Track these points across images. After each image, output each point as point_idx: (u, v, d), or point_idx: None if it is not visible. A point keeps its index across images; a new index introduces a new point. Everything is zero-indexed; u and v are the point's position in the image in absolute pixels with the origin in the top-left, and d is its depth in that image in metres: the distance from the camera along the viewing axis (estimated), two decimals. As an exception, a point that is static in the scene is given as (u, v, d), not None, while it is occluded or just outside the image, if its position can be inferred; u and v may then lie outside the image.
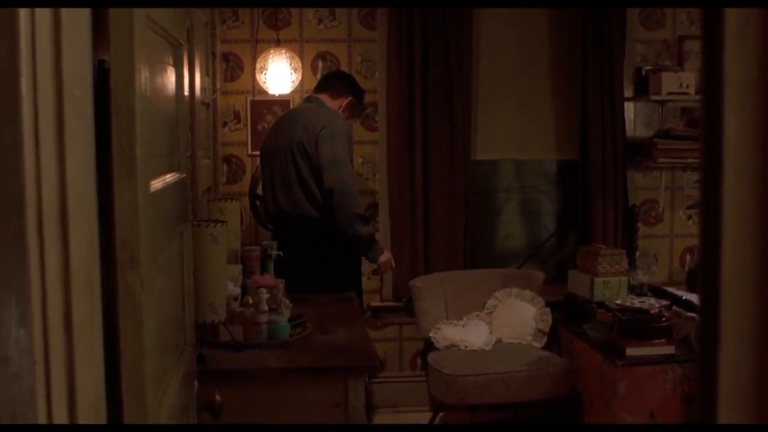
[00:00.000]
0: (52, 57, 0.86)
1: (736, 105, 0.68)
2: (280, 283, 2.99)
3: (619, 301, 3.92)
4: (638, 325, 3.70)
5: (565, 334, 4.22)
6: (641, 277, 4.27)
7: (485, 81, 4.75)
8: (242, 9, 4.56)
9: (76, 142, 0.91)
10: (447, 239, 4.61)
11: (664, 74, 4.62)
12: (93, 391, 0.96)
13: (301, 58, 4.59)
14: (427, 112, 4.56)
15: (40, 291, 0.82)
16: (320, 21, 4.61)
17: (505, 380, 3.80)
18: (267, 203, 3.91)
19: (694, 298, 3.96)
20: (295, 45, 4.60)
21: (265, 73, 4.54)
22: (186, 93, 1.99)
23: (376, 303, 4.72)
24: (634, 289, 4.19)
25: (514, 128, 4.82)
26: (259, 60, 4.55)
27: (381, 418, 4.47)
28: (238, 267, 3.20)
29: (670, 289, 4.34)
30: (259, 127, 4.56)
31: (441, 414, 4.28)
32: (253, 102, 4.59)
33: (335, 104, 3.93)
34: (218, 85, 4.35)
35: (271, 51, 4.54)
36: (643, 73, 4.78)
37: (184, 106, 1.88)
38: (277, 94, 4.55)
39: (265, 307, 2.79)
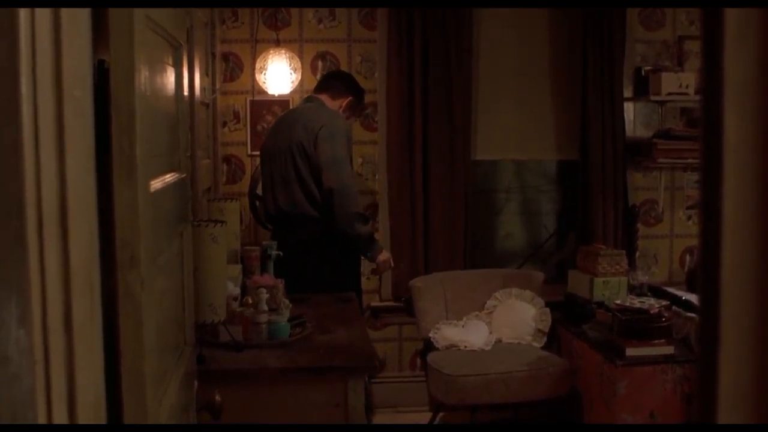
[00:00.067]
0: (52, 57, 0.86)
1: (736, 105, 0.68)
2: (280, 283, 2.99)
3: (618, 302, 3.93)
4: (638, 326, 3.70)
5: (565, 334, 4.22)
6: (641, 277, 4.27)
7: (485, 81, 4.75)
8: (242, 9, 4.56)
9: (76, 142, 0.91)
10: (447, 239, 4.61)
11: (664, 74, 4.62)
12: (93, 391, 0.96)
13: (301, 58, 4.59)
14: (427, 112, 4.56)
15: (40, 291, 0.82)
16: (320, 21, 4.61)
17: (505, 380, 3.80)
18: (266, 203, 3.91)
19: (693, 298, 3.96)
20: (295, 45, 4.60)
21: (264, 74, 4.54)
22: (186, 93, 1.99)
23: (375, 303, 4.72)
24: (634, 290, 4.20)
25: (514, 128, 4.82)
26: (258, 60, 4.55)
27: (381, 418, 4.47)
28: (238, 267, 3.20)
29: (670, 290, 4.34)
30: (259, 128, 4.56)
31: (441, 414, 4.28)
32: (252, 102, 4.59)
33: (335, 104, 3.93)
34: (218, 85, 4.35)
35: (271, 51, 4.54)
36: (643, 73, 4.78)
37: (184, 106, 1.88)
38: (276, 95, 4.55)
39: (265, 307, 2.79)
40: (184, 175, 1.81)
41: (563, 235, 5.04)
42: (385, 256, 3.88)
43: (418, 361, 4.69)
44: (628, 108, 4.79)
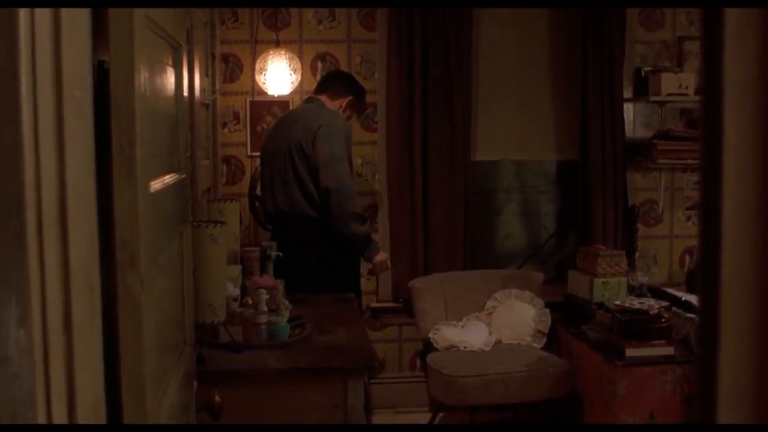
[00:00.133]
0: (52, 57, 0.86)
1: (736, 105, 0.68)
2: (280, 284, 2.99)
3: (618, 302, 3.93)
4: (638, 326, 3.70)
5: (565, 334, 4.22)
6: (641, 278, 4.27)
7: (485, 81, 4.76)
8: (242, 10, 4.56)
9: (76, 142, 0.91)
10: (447, 239, 4.61)
11: (664, 75, 4.62)
12: (93, 391, 0.96)
13: (301, 58, 4.59)
14: (427, 112, 4.56)
15: (39, 291, 0.82)
16: (320, 22, 4.61)
17: (505, 381, 3.80)
18: (266, 203, 3.91)
19: (693, 299, 3.96)
20: (295, 46, 4.60)
21: (264, 74, 4.54)
22: (185, 94, 1.99)
23: (375, 304, 4.72)
24: (634, 290, 4.20)
25: (514, 128, 4.82)
26: (258, 61, 4.55)
27: (380, 419, 4.47)
28: (238, 268, 3.20)
29: (670, 290, 4.34)
30: (259, 128, 4.56)
31: (440, 415, 4.27)
32: (252, 103, 4.59)
33: (335, 104, 3.93)
34: (218, 86, 4.35)
35: (271, 52, 4.54)
36: (643, 73, 4.78)
37: (184, 106, 1.88)
38: (276, 95, 4.54)
39: (265, 308, 2.79)
40: (183, 176, 1.81)
41: (563, 236, 5.04)
42: (382, 256, 3.88)
43: (418, 361, 4.69)
44: (628, 108, 4.80)
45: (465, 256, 4.65)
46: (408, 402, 4.64)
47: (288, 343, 2.77)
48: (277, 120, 4.16)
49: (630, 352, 3.64)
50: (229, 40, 4.57)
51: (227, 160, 4.61)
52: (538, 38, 4.79)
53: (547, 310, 4.21)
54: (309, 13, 4.61)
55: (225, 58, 4.57)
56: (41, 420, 0.82)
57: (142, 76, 1.27)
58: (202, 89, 3.50)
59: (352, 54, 4.64)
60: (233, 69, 4.58)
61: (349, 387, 2.53)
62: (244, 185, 4.51)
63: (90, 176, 0.98)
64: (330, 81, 4.05)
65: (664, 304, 3.91)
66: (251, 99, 4.58)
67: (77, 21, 0.93)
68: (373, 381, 4.40)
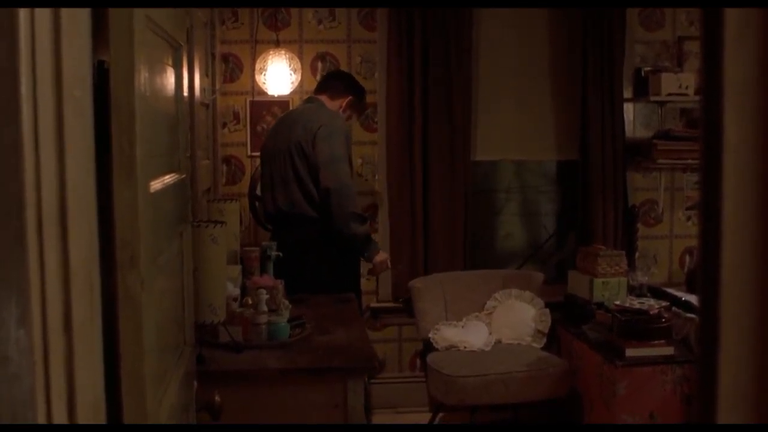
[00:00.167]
0: (52, 57, 0.86)
1: (736, 105, 0.68)
2: (280, 284, 2.99)
3: (618, 302, 3.93)
4: (638, 326, 3.70)
5: (565, 334, 4.22)
6: (641, 278, 4.27)
7: (485, 81, 4.76)
8: (242, 10, 4.56)
9: (76, 142, 0.91)
10: (447, 239, 4.61)
11: (664, 75, 4.62)
12: (93, 391, 0.96)
13: (301, 58, 4.59)
14: (427, 112, 4.56)
15: (39, 291, 0.82)
16: (320, 22, 4.61)
17: (505, 381, 3.80)
18: (266, 203, 3.91)
19: (693, 299, 3.96)
20: (295, 46, 4.60)
21: (264, 74, 4.54)
22: (185, 93, 1.99)
23: (375, 304, 4.72)
24: (634, 290, 4.20)
25: (514, 128, 4.82)
26: (258, 61, 4.55)
27: (380, 419, 4.47)
28: (238, 268, 3.20)
29: (670, 290, 4.34)
30: (259, 128, 4.56)
31: (440, 415, 4.27)
32: (252, 103, 4.59)
33: (335, 104, 3.93)
34: (218, 86, 4.35)
35: (271, 52, 4.54)
36: (643, 73, 4.78)
37: (184, 106, 1.88)
38: (276, 95, 4.54)
39: (265, 308, 2.79)
40: (183, 176, 1.81)
41: (563, 236, 5.04)
42: (382, 256, 3.88)
43: (418, 361, 4.69)
44: (628, 108, 4.79)
45: (465, 256, 4.65)
46: (408, 402, 4.64)
47: (288, 343, 2.77)
48: (277, 120, 4.16)
49: (630, 352, 3.64)
50: (229, 40, 4.57)
51: (227, 160, 4.61)
52: (538, 38, 4.79)
53: (547, 310, 4.21)
54: (309, 13, 4.61)
55: (225, 58, 4.57)
56: (41, 420, 0.82)
57: (142, 76, 1.27)
58: (202, 89, 3.50)
59: (352, 54, 4.64)
60: (233, 69, 4.58)
61: (349, 387, 2.53)
62: (244, 185, 4.51)
63: (90, 176, 0.98)
64: (330, 81, 4.05)
65: (664, 304, 3.91)
66: (251, 99, 4.58)
67: (77, 21, 0.93)
68: (373, 381, 4.40)
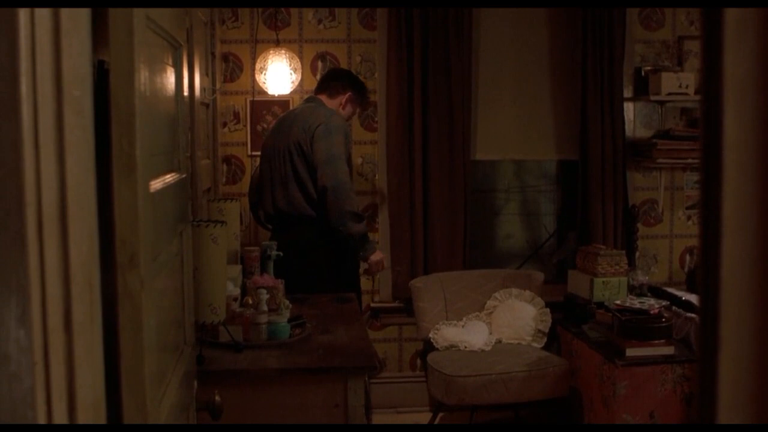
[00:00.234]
0: (52, 57, 0.85)
1: (735, 104, 0.68)
2: (280, 284, 2.99)
3: (618, 302, 3.93)
4: (638, 326, 3.70)
5: (565, 334, 4.22)
6: (641, 277, 4.27)
7: (485, 81, 4.75)
8: (242, 9, 4.56)
9: (75, 141, 0.91)
10: (447, 239, 4.61)
11: (664, 74, 4.62)
12: (93, 391, 0.96)
13: (301, 58, 4.59)
14: (427, 111, 4.56)
15: (39, 291, 0.82)
16: (320, 21, 4.61)
17: (505, 381, 3.80)
18: (265, 203, 3.91)
19: (693, 298, 3.96)
20: (295, 45, 4.60)
21: (264, 74, 4.54)
22: (185, 93, 1.99)
23: (375, 303, 4.72)
24: (634, 290, 4.20)
25: (513, 128, 4.82)
26: (258, 60, 4.55)
27: (381, 419, 4.47)
28: (238, 267, 3.20)
29: (670, 290, 4.34)
30: (259, 128, 4.56)
31: (441, 414, 4.28)
32: (252, 102, 4.59)
33: (335, 102, 3.93)
34: (218, 86, 4.35)
35: (271, 51, 4.54)
36: (643, 73, 4.78)
37: (184, 106, 1.88)
38: (276, 95, 4.55)
39: (265, 308, 2.79)
40: (183, 176, 1.81)
41: (563, 236, 5.04)
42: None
43: (418, 361, 4.69)
44: (628, 108, 4.79)
45: (465, 255, 4.65)
46: (408, 402, 4.64)
47: (288, 342, 2.77)
48: (277, 119, 4.16)
49: (630, 352, 3.64)
50: (229, 39, 4.57)
51: (227, 159, 4.61)
52: (538, 38, 4.78)
53: (548, 310, 4.21)
54: (309, 13, 4.61)
55: (225, 58, 4.57)
56: (41, 420, 0.82)
57: (142, 75, 1.27)
58: (202, 89, 3.50)
59: (352, 54, 4.64)
60: (233, 68, 4.58)
61: (349, 387, 2.52)
62: (244, 185, 4.51)
63: (90, 176, 0.98)
64: (328, 80, 4.05)
65: (664, 303, 3.91)
66: (251, 98, 4.58)
67: (77, 21, 0.93)
68: (373, 381, 4.40)
